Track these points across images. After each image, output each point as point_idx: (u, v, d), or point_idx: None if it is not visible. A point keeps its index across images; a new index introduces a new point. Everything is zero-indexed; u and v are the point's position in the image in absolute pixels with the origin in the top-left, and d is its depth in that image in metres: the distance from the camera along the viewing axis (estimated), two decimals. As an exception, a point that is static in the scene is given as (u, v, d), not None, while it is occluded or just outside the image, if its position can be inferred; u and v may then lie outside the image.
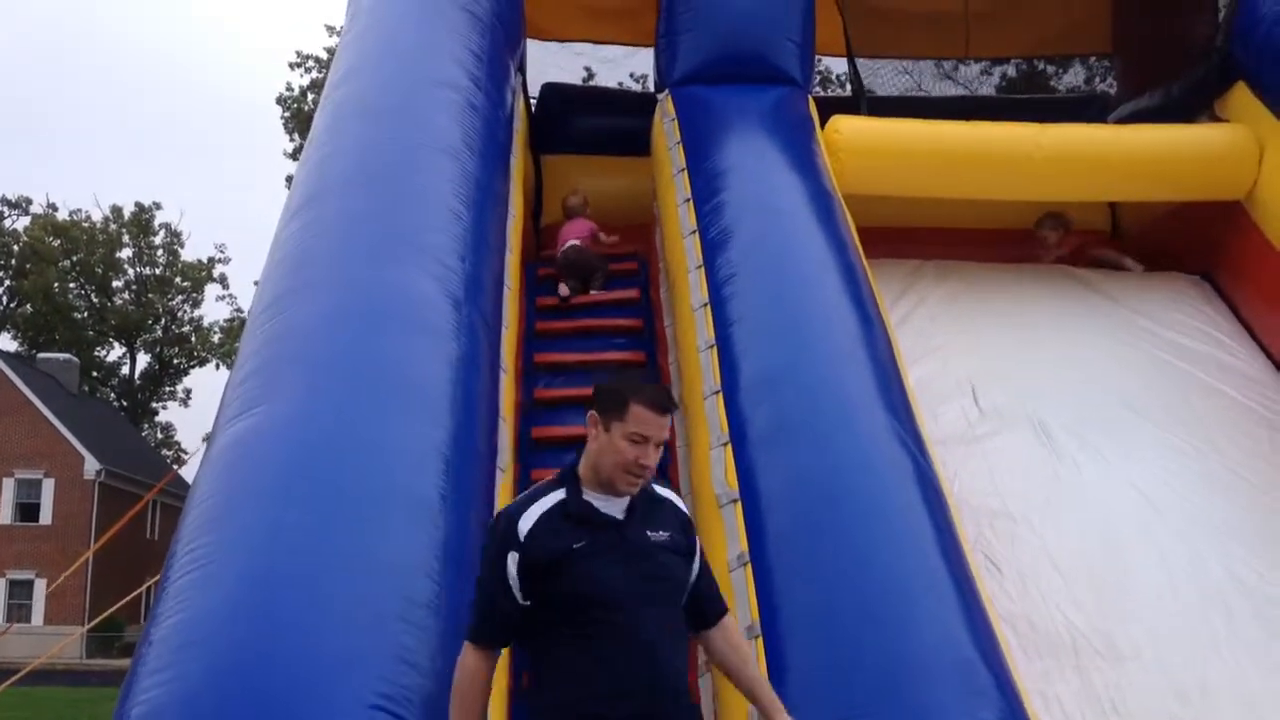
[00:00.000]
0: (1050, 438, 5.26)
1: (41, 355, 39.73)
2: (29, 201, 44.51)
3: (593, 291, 6.89)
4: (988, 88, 8.74)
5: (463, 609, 3.18)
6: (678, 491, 3.06)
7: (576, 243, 7.06)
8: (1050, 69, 9.23)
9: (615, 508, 2.83)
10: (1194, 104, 6.89)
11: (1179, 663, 4.27)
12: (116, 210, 45.34)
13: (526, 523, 2.77)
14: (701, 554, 3.00)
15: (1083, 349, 5.94)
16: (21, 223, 43.96)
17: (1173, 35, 7.39)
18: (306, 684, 2.73)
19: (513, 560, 2.74)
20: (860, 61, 7.26)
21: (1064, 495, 4.91)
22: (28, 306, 43.30)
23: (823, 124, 6.29)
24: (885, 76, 8.26)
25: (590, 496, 2.82)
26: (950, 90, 8.31)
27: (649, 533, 2.83)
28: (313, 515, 3.15)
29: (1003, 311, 6.23)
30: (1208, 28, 6.88)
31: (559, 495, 2.82)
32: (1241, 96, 6.58)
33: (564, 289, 6.91)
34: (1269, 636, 4.39)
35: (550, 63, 8.18)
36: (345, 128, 4.84)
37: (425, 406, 3.65)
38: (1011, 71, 9.08)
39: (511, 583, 2.74)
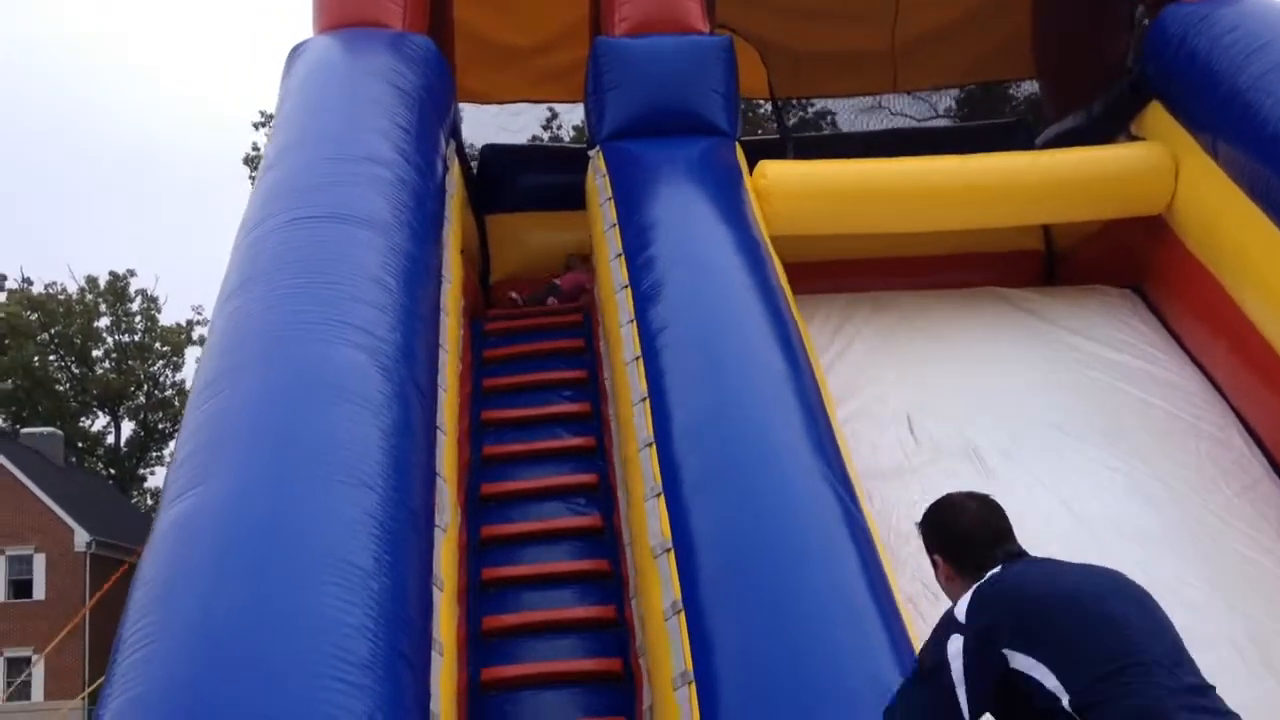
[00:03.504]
0: (983, 462, 5.42)
1: (25, 430, 39.55)
2: (3, 278, 44.49)
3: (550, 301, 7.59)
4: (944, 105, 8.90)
5: (400, 667, 3.32)
6: None
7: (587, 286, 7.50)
8: (1003, 87, 9.41)
9: None
10: (1112, 124, 7.10)
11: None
12: (92, 280, 45.33)
13: None
14: None
15: (1015, 372, 6.10)
16: (-3, 300, 43.96)
17: (1090, 57, 7.61)
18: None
19: None
20: (824, 102, 7.41)
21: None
22: (9, 382, 43.15)
23: (752, 168, 6.47)
24: (847, 116, 8.46)
25: None
26: (901, 123, 8.49)
27: None
28: (248, 588, 3.25)
29: (938, 340, 6.39)
30: (1123, 47, 7.10)
31: None
32: (1156, 114, 6.78)
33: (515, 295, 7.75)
34: (1185, 637, 4.51)
35: (490, 124, 8.35)
36: (275, 210, 4.99)
37: (357, 474, 3.73)
38: (950, 101, 9.25)
39: None
